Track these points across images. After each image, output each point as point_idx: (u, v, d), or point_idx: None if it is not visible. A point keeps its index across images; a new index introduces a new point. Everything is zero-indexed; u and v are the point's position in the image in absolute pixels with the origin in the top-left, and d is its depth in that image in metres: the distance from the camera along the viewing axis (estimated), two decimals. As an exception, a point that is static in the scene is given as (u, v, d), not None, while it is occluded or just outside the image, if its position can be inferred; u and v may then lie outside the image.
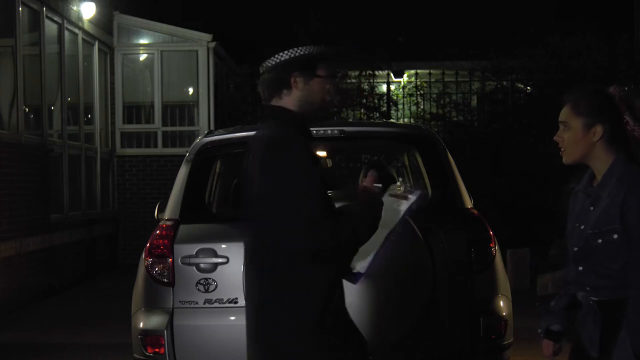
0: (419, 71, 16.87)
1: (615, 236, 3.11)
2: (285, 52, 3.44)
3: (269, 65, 3.47)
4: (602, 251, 3.15)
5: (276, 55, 3.46)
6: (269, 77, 3.48)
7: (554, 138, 3.29)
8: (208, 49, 15.10)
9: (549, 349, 3.43)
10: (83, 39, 13.53)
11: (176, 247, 5.13)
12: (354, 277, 3.47)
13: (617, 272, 3.13)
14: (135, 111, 15.40)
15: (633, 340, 3.02)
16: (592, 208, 3.20)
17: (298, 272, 3.31)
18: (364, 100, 15.52)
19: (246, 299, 3.48)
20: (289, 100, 3.45)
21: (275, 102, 3.47)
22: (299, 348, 3.30)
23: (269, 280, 3.32)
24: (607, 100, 3.20)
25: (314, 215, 3.25)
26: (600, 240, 3.14)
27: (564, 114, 3.26)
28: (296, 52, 3.44)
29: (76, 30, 13.19)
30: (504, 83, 14.93)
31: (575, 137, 3.22)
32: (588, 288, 3.21)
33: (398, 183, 4.43)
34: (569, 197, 3.37)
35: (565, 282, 3.39)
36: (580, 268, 3.23)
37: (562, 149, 3.27)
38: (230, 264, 5.08)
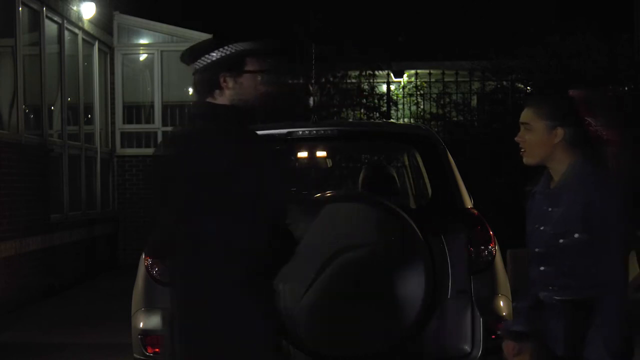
0: (419, 71, 16.85)
1: (577, 235, 3.14)
2: (215, 52, 3.38)
3: (198, 67, 3.42)
4: (564, 251, 3.17)
5: (206, 56, 3.40)
6: (200, 78, 3.43)
7: (515, 139, 3.34)
8: (208, 49, 15.07)
9: (509, 350, 3.43)
10: (83, 39, 13.53)
11: (176, 247, 5.13)
12: None
13: (580, 271, 3.15)
14: (135, 111, 15.40)
15: (606, 340, 3.04)
16: (550, 209, 3.23)
17: (270, 274, 3.30)
18: (364, 100, 15.50)
19: (198, 301, 3.37)
20: (223, 100, 3.40)
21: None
22: (267, 347, 3.29)
23: (241, 282, 3.26)
24: (569, 103, 3.25)
25: (285, 216, 3.26)
26: (561, 241, 3.17)
27: (527, 116, 3.30)
28: (223, 51, 3.38)
29: (76, 30, 13.19)
30: (504, 83, 14.90)
31: (537, 139, 3.27)
32: (551, 288, 3.22)
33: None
34: (527, 199, 3.40)
35: (530, 282, 3.39)
36: (542, 268, 3.25)
37: (522, 150, 3.31)
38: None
